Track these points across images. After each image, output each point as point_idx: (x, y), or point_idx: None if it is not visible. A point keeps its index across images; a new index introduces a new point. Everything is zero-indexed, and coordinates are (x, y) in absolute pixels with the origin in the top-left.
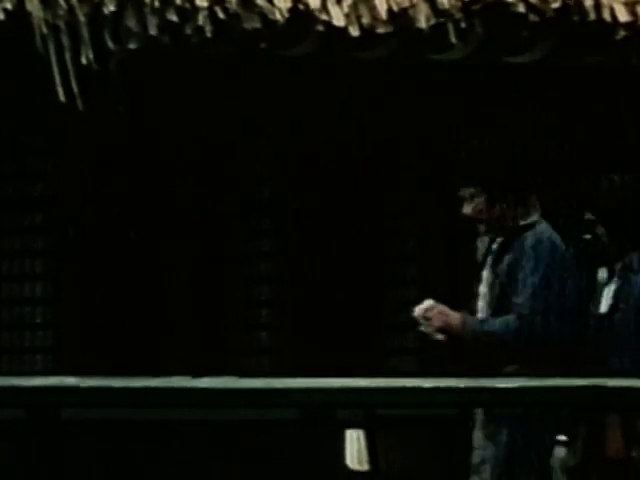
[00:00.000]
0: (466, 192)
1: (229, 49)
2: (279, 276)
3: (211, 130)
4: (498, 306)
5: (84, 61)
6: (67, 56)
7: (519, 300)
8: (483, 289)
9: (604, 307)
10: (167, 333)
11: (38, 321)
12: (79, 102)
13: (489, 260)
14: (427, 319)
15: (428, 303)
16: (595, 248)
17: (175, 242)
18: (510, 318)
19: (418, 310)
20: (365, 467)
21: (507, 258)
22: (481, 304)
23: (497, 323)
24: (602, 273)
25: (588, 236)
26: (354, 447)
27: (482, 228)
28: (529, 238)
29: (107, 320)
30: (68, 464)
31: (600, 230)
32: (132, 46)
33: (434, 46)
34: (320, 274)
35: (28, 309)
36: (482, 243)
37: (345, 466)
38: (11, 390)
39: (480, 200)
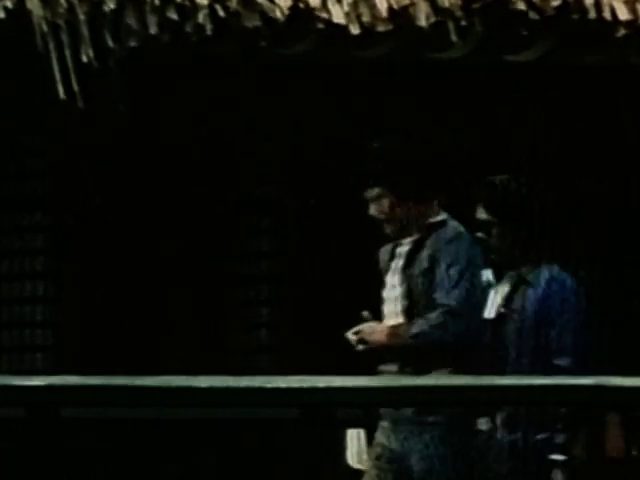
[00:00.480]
0: (371, 193)
1: (229, 47)
2: (278, 275)
3: (211, 129)
4: (419, 306)
5: (84, 59)
6: (67, 54)
7: (442, 295)
8: (392, 294)
9: (491, 312)
10: (166, 332)
11: (38, 320)
12: (79, 101)
13: (396, 264)
14: (361, 340)
15: (358, 327)
16: (487, 248)
17: (174, 241)
18: (434, 315)
19: (350, 335)
20: (366, 466)
21: (423, 256)
22: (390, 308)
23: (423, 323)
24: (487, 275)
25: (480, 234)
26: (354, 446)
27: (388, 229)
28: (446, 233)
29: (107, 319)
30: (68, 463)
31: (494, 231)
32: (132, 44)
33: (434, 45)
34: (319, 273)
35: (28, 308)
36: (382, 253)
37: (346, 465)
38: (11, 389)
39: (386, 201)
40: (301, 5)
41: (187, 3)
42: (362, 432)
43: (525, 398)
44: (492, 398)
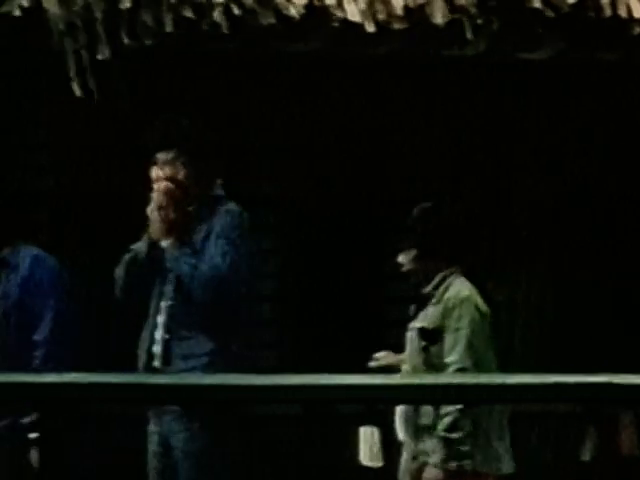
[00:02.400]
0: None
1: (245, 45)
2: (280, 272)
3: (220, 126)
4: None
5: (100, 57)
6: (83, 52)
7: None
8: None
9: None
10: None
11: None
12: (95, 98)
13: None
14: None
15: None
16: None
17: None
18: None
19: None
20: (379, 464)
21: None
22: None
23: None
24: None
25: None
26: (367, 444)
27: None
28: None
29: (107, 315)
30: None
31: None
32: (148, 42)
33: (450, 42)
34: (320, 269)
35: None
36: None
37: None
38: (23, 386)
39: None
40: (316, 3)
41: (203, 1)
42: (376, 430)
43: (537, 396)
44: (502, 396)
